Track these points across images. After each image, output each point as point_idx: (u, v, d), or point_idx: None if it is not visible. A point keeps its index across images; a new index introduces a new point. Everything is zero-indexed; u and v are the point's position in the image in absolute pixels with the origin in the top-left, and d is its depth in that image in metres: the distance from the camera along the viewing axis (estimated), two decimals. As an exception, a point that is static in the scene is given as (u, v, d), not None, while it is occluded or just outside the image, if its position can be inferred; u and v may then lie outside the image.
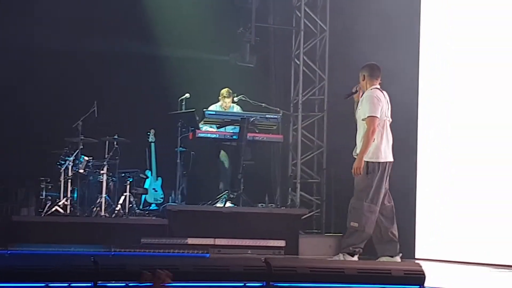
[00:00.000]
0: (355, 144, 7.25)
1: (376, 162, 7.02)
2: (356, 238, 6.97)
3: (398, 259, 7.04)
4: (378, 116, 7.01)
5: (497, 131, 8.12)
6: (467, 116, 8.62)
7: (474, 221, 8.37)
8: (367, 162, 7.00)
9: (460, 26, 8.83)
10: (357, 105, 7.29)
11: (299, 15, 11.93)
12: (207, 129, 10.23)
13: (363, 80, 7.20)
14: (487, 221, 8.16)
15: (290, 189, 11.55)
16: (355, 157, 7.16)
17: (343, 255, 6.95)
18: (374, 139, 6.98)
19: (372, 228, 7.02)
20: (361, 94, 7.28)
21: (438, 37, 9.19)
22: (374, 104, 6.99)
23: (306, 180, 11.78)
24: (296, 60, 11.96)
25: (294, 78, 11.97)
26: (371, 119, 6.97)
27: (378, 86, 7.22)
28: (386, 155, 7.11)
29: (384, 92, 7.24)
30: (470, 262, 8.24)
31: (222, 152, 10.44)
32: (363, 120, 7.02)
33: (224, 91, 10.51)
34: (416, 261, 7.29)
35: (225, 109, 10.48)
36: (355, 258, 6.93)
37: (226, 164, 10.42)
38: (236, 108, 10.54)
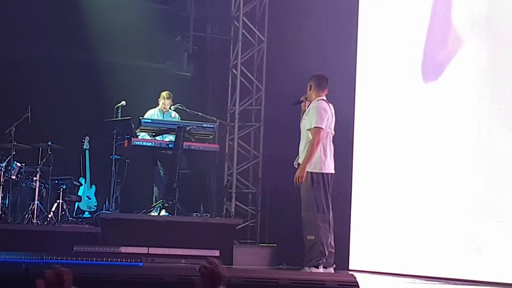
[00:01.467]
0: (297, 154, 7.28)
1: (319, 173, 7.06)
2: (316, 250, 6.98)
3: (331, 270, 7.08)
4: (324, 127, 7.06)
5: (436, 139, 8.24)
6: (403, 127, 8.73)
7: (409, 233, 8.48)
8: (311, 173, 7.03)
9: (397, 32, 8.96)
10: (303, 114, 7.33)
11: (238, 25, 11.97)
12: (144, 137, 10.16)
13: (310, 90, 7.24)
14: (422, 233, 8.27)
15: (225, 198, 11.56)
16: (296, 166, 7.19)
17: (309, 268, 6.96)
18: (317, 151, 7.03)
19: (328, 237, 7.03)
20: (307, 104, 7.32)
21: (375, 45, 9.31)
22: (321, 115, 7.04)
23: (242, 190, 11.80)
24: (233, 70, 11.99)
25: (231, 88, 11.99)
26: (316, 130, 7.02)
27: (325, 98, 7.28)
28: (329, 166, 7.16)
29: (330, 104, 7.31)
30: (404, 274, 8.33)
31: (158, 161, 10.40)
32: (308, 130, 7.05)
33: (164, 93, 10.50)
34: (350, 272, 7.36)
35: (163, 112, 10.44)
36: (321, 269, 6.93)
37: (162, 173, 10.37)
38: (175, 115, 10.50)
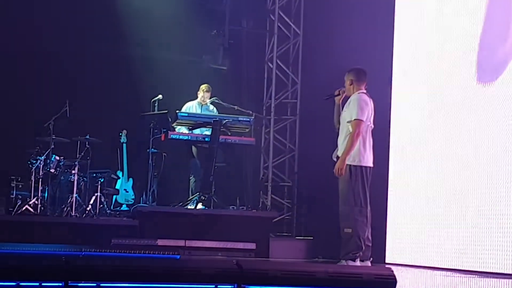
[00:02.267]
0: (335, 147, 7.26)
1: (358, 166, 7.04)
2: (352, 243, 6.97)
3: (368, 263, 7.07)
4: (364, 120, 7.05)
5: (478, 136, 8.18)
6: (439, 121, 8.67)
7: (444, 227, 8.43)
8: (350, 165, 7.02)
9: (435, 28, 8.90)
10: (338, 108, 7.32)
11: (273, 18, 11.97)
12: (180, 130, 10.21)
13: (350, 85, 7.22)
14: (457, 227, 8.21)
15: (261, 192, 11.58)
16: (335, 159, 7.19)
17: (346, 261, 6.96)
18: (357, 143, 7.03)
19: (365, 231, 7.02)
20: (342, 97, 7.30)
21: (413, 39, 9.25)
22: (362, 108, 7.03)
23: (278, 183, 11.81)
24: (269, 63, 12.00)
25: (267, 82, 12.01)
26: (357, 122, 7.01)
27: (365, 91, 7.27)
28: (368, 160, 7.15)
29: (371, 98, 7.29)
30: (441, 268, 8.30)
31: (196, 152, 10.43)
32: (348, 122, 7.04)
33: (204, 86, 10.53)
34: (387, 266, 7.34)
35: (202, 104, 10.47)
36: (357, 262, 6.93)
37: (199, 165, 10.42)
38: (212, 108, 10.54)
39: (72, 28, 11.37)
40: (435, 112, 8.75)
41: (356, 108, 7.03)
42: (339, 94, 7.29)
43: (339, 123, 7.31)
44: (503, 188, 7.65)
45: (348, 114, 7.07)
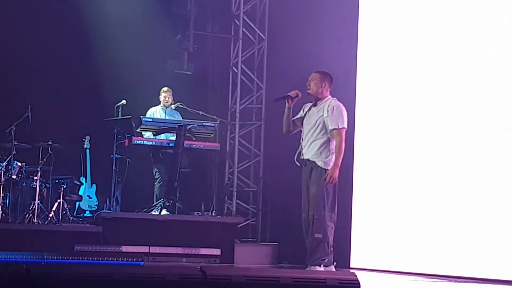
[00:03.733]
0: (300, 149, 7.23)
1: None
2: (322, 249, 6.97)
3: (332, 268, 7.07)
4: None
5: (439, 137, 8.24)
6: (404, 125, 8.72)
7: (409, 230, 8.47)
8: (325, 169, 7.03)
9: (398, 32, 8.96)
10: (289, 111, 7.30)
11: (238, 23, 11.96)
12: (149, 136, 10.15)
13: (322, 87, 7.22)
14: (423, 230, 8.26)
15: (226, 197, 11.55)
16: (298, 164, 7.20)
17: (313, 266, 6.95)
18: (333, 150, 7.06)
19: (332, 236, 7.04)
20: (296, 101, 7.28)
21: (376, 44, 9.30)
22: (344, 116, 7.12)
23: (243, 188, 11.79)
24: (234, 68, 11.98)
25: (232, 87, 11.98)
26: (343, 131, 7.09)
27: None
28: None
29: None
30: (405, 272, 8.33)
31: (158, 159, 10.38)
32: (334, 129, 7.05)
33: (163, 88, 10.50)
34: (351, 271, 7.34)
35: (166, 107, 10.42)
36: (322, 268, 6.93)
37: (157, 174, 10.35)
38: (176, 111, 10.50)
39: (35, 32, 11.22)
40: (399, 116, 8.79)
41: (342, 116, 7.12)
42: (297, 96, 7.27)
43: (292, 127, 7.33)
44: (468, 190, 7.71)
45: (332, 121, 7.07)
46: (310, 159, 7.11)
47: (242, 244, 10.48)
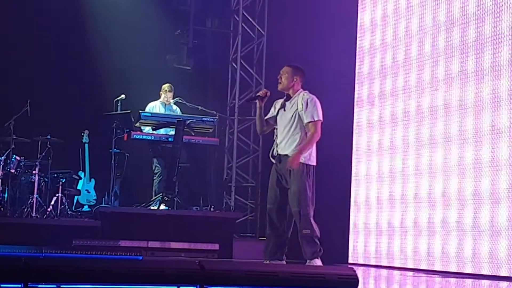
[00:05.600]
0: (275, 146, 7.18)
1: (311, 165, 7.04)
2: (314, 243, 6.96)
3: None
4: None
5: (434, 134, 8.24)
6: (402, 121, 8.72)
7: (408, 228, 8.48)
8: (307, 165, 6.99)
9: (396, 31, 8.95)
10: (261, 111, 7.26)
11: (237, 19, 11.96)
12: (149, 131, 10.15)
13: (293, 81, 7.17)
14: (422, 228, 8.27)
15: (225, 192, 11.55)
16: (273, 160, 7.15)
17: (312, 261, 6.94)
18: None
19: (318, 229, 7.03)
20: (266, 100, 7.24)
21: (375, 38, 9.30)
22: (318, 108, 7.05)
23: (241, 183, 11.79)
24: (233, 63, 11.98)
25: (231, 82, 11.99)
26: (318, 123, 7.02)
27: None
28: (316, 159, 7.16)
29: None
30: (404, 268, 8.35)
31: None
32: (309, 123, 7.01)
33: (166, 85, 10.48)
34: (350, 266, 7.35)
35: (166, 104, 10.42)
36: (320, 261, 6.92)
37: (157, 168, 10.35)
38: (176, 108, 10.49)
39: (34, 26, 11.22)
40: (398, 113, 8.79)
41: (317, 109, 7.04)
42: (266, 95, 7.24)
43: (266, 126, 7.28)
44: (463, 187, 7.71)
45: (308, 114, 7.03)
46: (289, 155, 7.03)
47: (240, 239, 10.49)
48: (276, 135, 7.21)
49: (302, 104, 7.04)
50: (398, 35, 8.91)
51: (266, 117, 7.30)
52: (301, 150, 6.94)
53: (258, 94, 7.34)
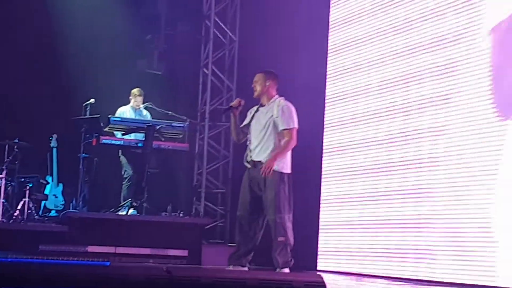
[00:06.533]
0: (248, 152, 7.17)
1: (286, 173, 7.04)
2: (286, 251, 6.94)
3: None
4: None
5: (404, 142, 8.28)
6: (373, 127, 8.76)
7: (378, 234, 8.50)
8: (281, 172, 6.98)
9: (367, 34, 9.00)
10: (236, 119, 7.25)
11: (209, 24, 11.93)
12: (120, 136, 10.09)
13: (266, 87, 7.18)
14: (393, 234, 8.30)
15: (194, 198, 11.52)
16: (248, 165, 7.13)
17: (283, 270, 6.92)
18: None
19: (292, 237, 7.02)
20: (240, 109, 7.24)
21: (347, 47, 9.34)
22: (294, 115, 7.06)
23: (211, 189, 11.76)
24: (204, 69, 11.95)
25: (202, 87, 11.96)
26: (294, 130, 7.03)
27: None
28: (290, 166, 7.15)
29: None
30: (373, 275, 8.36)
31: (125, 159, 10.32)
32: (284, 130, 7.00)
33: (135, 90, 10.44)
34: (318, 273, 7.34)
35: (136, 109, 10.37)
36: (288, 270, 6.91)
37: (130, 172, 10.29)
38: (145, 113, 10.45)
39: (2, 29, 11.11)
40: (368, 119, 8.83)
41: (292, 116, 7.06)
42: (239, 105, 7.24)
43: (242, 134, 7.28)
44: (435, 193, 7.75)
45: (283, 121, 7.03)
46: (263, 162, 7.00)
47: (209, 245, 10.46)
48: (250, 141, 7.21)
49: (278, 111, 7.05)
50: (368, 34, 8.94)
51: (241, 125, 7.29)
52: (275, 157, 6.94)
53: (231, 104, 7.34)
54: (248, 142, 7.24)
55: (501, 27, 7.25)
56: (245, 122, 7.28)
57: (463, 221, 7.38)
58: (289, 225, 6.98)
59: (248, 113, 7.32)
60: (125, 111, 10.37)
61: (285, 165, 7.02)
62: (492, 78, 7.26)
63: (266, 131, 7.06)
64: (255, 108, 7.28)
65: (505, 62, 7.16)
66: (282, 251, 6.93)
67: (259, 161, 7.02)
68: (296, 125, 7.05)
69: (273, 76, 7.23)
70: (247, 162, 7.14)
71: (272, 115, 7.06)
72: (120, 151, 10.22)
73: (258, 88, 7.17)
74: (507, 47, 7.17)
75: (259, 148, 7.06)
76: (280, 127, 7.01)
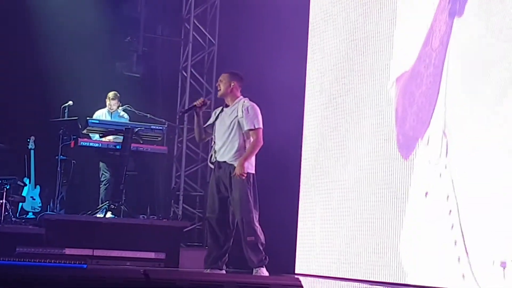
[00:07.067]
0: (213, 152, 7.21)
1: (251, 173, 7.11)
2: (259, 250, 6.98)
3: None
4: None
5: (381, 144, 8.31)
6: (351, 131, 8.79)
7: (356, 237, 8.53)
8: (248, 173, 7.04)
9: (347, 36, 9.03)
10: (199, 119, 7.30)
11: (188, 27, 11.94)
12: (97, 138, 10.07)
13: (230, 87, 7.23)
14: (370, 238, 8.33)
15: (173, 201, 11.51)
16: (212, 166, 7.19)
17: (258, 269, 6.95)
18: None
19: (263, 235, 7.05)
20: (204, 109, 7.30)
21: (326, 50, 9.36)
22: (259, 115, 7.15)
23: (190, 192, 11.76)
24: (183, 72, 11.96)
25: (181, 90, 11.96)
26: (259, 131, 7.09)
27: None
28: (254, 166, 7.22)
29: None
30: (351, 279, 8.39)
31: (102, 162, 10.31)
32: (250, 130, 7.06)
33: (110, 93, 10.46)
34: (296, 276, 7.37)
35: (111, 112, 10.36)
36: (265, 270, 6.95)
37: (108, 174, 10.28)
38: (123, 114, 10.44)
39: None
40: (346, 119, 8.85)
41: (257, 116, 7.15)
42: (204, 104, 7.29)
43: (204, 134, 7.33)
44: (417, 195, 7.79)
45: (248, 121, 7.09)
46: (228, 162, 7.06)
47: (187, 248, 10.45)
48: (214, 142, 7.26)
49: (242, 111, 7.12)
50: (349, 42, 8.98)
51: (205, 125, 7.35)
52: (246, 158, 7.00)
53: (194, 103, 7.37)
54: (212, 142, 7.30)
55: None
56: (209, 122, 7.37)
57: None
58: (257, 224, 7.02)
59: (213, 113, 7.40)
60: (102, 114, 10.38)
61: (250, 165, 7.08)
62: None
63: (230, 131, 7.12)
64: (219, 108, 7.35)
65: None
66: (254, 250, 6.97)
67: (224, 162, 7.10)
68: (261, 125, 7.14)
69: (238, 78, 7.31)
70: (212, 163, 7.22)
71: (236, 116, 7.13)
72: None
73: (222, 87, 7.26)
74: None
75: (223, 149, 7.13)
76: (246, 128, 7.08)
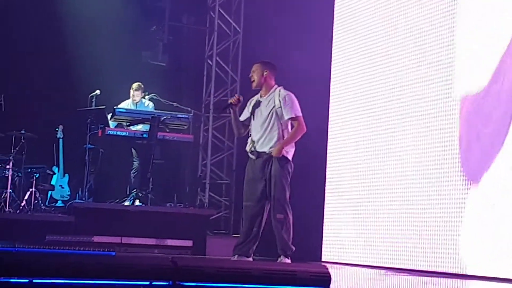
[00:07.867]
0: (252, 143, 7.18)
1: (290, 160, 7.10)
2: (288, 228, 6.94)
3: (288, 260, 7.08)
4: None
5: (413, 133, 8.30)
6: (378, 118, 8.77)
7: (381, 226, 8.54)
8: (287, 159, 7.02)
9: (372, 29, 9.01)
10: (236, 115, 7.25)
11: (213, 15, 11.96)
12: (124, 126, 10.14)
13: (263, 76, 7.17)
14: (395, 226, 8.33)
15: (199, 189, 11.56)
16: (251, 155, 7.15)
17: (283, 258, 6.97)
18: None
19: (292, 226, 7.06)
20: (240, 104, 7.26)
21: (351, 36, 9.35)
22: (297, 104, 7.08)
23: (216, 181, 11.80)
24: (209, 60, 11.98)
25: (206, 79, 11.99)
26: (301, 118, 7.06)
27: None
28: (292, 157, 7.20)
29: None
30: (377, 266, 8.40)
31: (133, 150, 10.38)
32: (292, 119, 7.03)
33: (134, 84, 10.48)
34: (322, 263, 7.40)
35: (135, 102, 10.41)
36: (289, 260, 6.97)
37: (136, 163, 10.35)
38: (148, 104, 10.48)
39: (8, 22, 11.15)
40: (374, 111, 8.85)
41: (296, 104, 7.08)
42: (239, 101, 7.24)
43: (243, 128, 7.29)
44: (437, 185, 7.79)
45: (288, 111, 7.04)
46: (267, 152, 7.03)
47: (214, 236, 10.51)
48: (251, 133, 7.22)
49: (280, 101, 7.05)
50: (375, 26, 8.95)
51: (241, 119, 7.30)
52: (286, 142, 6.98)
53: (230, 101, 7.31)
54: (249, 133, 7.26)
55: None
56: (246, 116, 7.27)
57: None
58: (288, 204, 7.00)
59: (248, 103, 7.32)
60: (127, 106, 10.43)
61: (290, 152, 7.07)
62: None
63: (269, 122, 7.06)
64: (253, 100, 7.26)
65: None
66: (282, 229, 6.94)
67: (264, 152, 7.05)
68: (300, 113, 7.08)
69: (271, 66, 7.22)
70: (251, 152, 7.17)
71: (274, 106, 7.06)
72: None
73: (256, 78, 7.17)
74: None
75: (262, 139, 7.07)
76: (286, 117, 7.02)
